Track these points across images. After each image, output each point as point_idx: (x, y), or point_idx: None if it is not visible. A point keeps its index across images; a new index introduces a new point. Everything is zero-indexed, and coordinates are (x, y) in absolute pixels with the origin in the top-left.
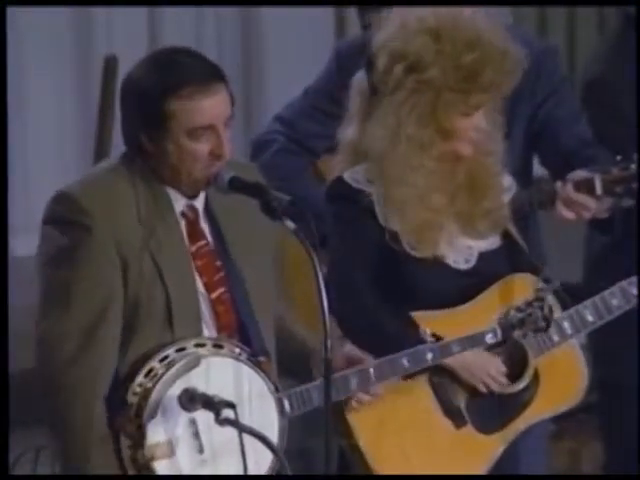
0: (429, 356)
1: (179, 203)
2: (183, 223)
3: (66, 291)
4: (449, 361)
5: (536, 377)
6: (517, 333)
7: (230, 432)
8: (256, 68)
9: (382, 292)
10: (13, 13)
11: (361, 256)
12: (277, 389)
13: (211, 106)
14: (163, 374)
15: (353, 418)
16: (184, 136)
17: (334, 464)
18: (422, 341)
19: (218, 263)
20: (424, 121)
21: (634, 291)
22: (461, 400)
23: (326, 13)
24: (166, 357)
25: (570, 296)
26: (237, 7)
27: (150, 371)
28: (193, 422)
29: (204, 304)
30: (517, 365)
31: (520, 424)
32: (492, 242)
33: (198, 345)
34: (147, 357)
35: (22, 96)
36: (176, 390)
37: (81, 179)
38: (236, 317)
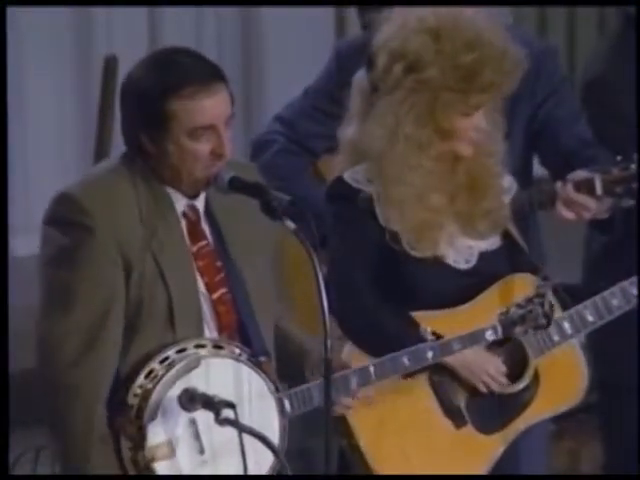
0: (429, 354)
1: (180, 203)
2: (184, 223)
3: (68, 292)
4: (449, 360)
5: (536, 377)
6: (518, 330)
7: (230, 433)
8: (256, 68)
9: (382, 292)
10: (13, 13)
11: (361, 256)
12: (277, 389)
13: (212, 106)
14: (163, 375)
15: (353, 418)
16: (185, 136)
17: (334, 464)
18: (422, 340)
19: (219, 263)
20: (422, 121)
21: (634, 291)
22: (461, 400)
23: (326, 13)
24: (166, 358)
25: (570, 296)
26: (237, 7)
27: (150, 372)
28: (193, 423)
29: (205, 304)
30: (517, 365)
31: (520, 424)
32: (492, 242)
33: (198, 346)
34: (148, 358)
35: (22, 96)
36: (176, 391)
37: (82, 179)
38: (237, 317)
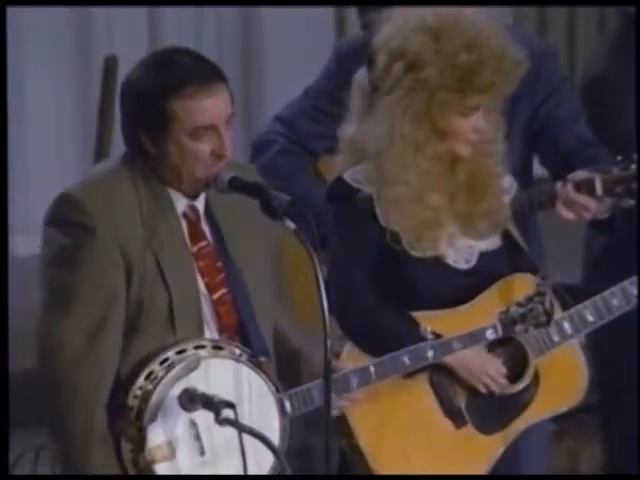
0: (430, 353)
1: (180, 203)
2: (184, 224)
3: (68, 292)
4: (449, 360)
5: (536, 377)
6: (518, 328)
7: (231, 434)
8: (256, 68)
9: (382, 292)
10: (13, 13)
11: (361, 256)
12: (278, 389)
13: (212, 106)
14: (163, 377)
15: (353, 418)
16: (186, 136)
17: (334, 464)
18: (423, 339)
19: (219, 264)
20: (420, 121)
21: (634, 291)
22: (461, 400)
23: (326, 13)
24: (166, 359)
25: (570, 296)
26: (237, 7)
27: (150, 374)
28: (194, 424)
29: (206, 305)
30: (517, 365)
31: (520, 424)
32: (492, 242)
33: (198, 347)
34: (148, 359)
35: (22, 96)
36: (176, 393)
37: (83, 180)
38: (237, 318)
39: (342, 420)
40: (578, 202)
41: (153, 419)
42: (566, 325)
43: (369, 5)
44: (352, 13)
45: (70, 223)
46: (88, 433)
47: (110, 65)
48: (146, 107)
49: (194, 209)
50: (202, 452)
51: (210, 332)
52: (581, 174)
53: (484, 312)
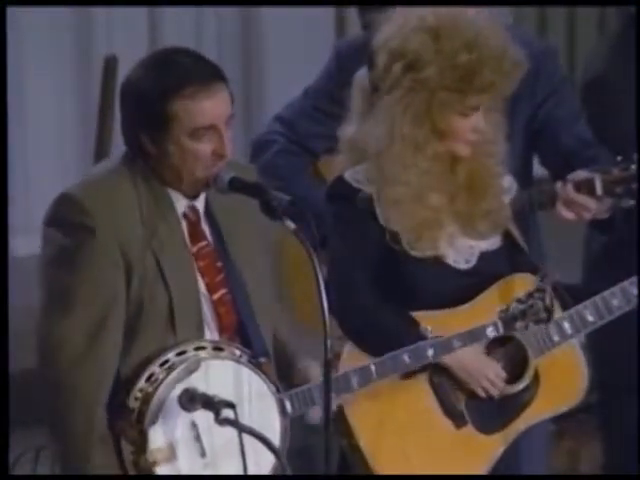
0: (430, 352)
1: (180, 204)
2: (184, 224)
3: (68, 293)
4: (448, 362)
5: (536, 377)
6: (519, 325)
7: (232, 435)
8: (256, 68)
9: (382, 292)
10: (13, 13)
11: (361, 256)
12: (278, 390)
13: (212, 106)
14: (164, 379)
15: (353, 418)
16: (186, 136)
17: (334, 464)
18: (423, 337)
19: (219, 264)
20: (419, 121)
21: (635, 291)
22: (461, 400)
23: (326, 13)
24: (166, 361)
25: (570, 296)
26: (237, 7)
27: (151, 376)
28: (194, 426)
29: (206, 305)
30: (517, 365)
31: (520, 424)
32: (493, 242)
33: (198, 348)
34: (149, 360)
35: (22, 96)
36: (177, 395)
37: (83, 180)
38: (237, 318)
39: (342, 420)
40: (578, 202)
41: (154, 421)
42: (566, 325)
43: (369, 5)
44: (352, 13)
45: (70, 223)
46: (88, 433)
47: (110, 65)
48: (146, 107)
49: (194, 209)
50: (203, 454)
51: (210, 332)
52: (581, 174)
53: (484, 312)
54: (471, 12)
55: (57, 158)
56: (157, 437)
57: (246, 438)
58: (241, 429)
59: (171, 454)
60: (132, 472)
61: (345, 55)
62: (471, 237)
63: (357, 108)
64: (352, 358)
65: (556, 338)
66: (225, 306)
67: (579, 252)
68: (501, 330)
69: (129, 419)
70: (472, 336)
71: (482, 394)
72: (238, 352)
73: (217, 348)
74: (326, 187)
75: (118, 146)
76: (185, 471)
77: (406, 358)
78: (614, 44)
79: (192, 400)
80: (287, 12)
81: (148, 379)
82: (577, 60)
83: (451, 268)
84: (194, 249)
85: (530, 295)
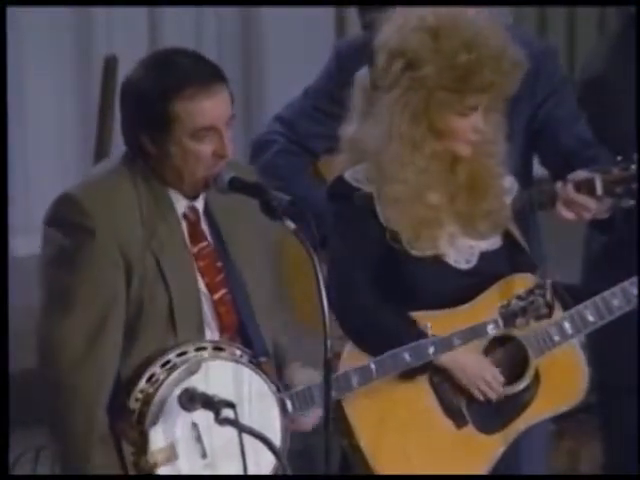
0: (431, 350)
1: (180, 204)
2: (184, 224)
3: (68, 293)
4: (447, 362)
5: (537, 377)
6: (519, 321)
7: (232, 435)
8: (256, 68)
9: (382, 292)
10: (13, 13)
11: (361, 256)
12: (279, 389)
13: (212, 107)
14: (164, 379)
15: (354, 418)
16: (187, 137)
17: (334, 464)
18: (424, 335)
19: (219, 264)
20: (417, 119)
21: (635, 291)
22: (462, 400)
23: (326, 13)
24: (167, 362)
25: (570, 296)
26: (237, 7)
27: (151, 377)
28: (195, 426)
29: (206, 305)
30: (518, 365)
31: (521, 424)
32: (493, 242)
33: (199, 349)
34: (149, 361)
35: (22, 96)
36: (177, 395)
37: (83, 181)
38: (237, 318)
39: (342, 420)
40: (578, 202)
41: (155, 422)
42: (566, 325)
43: (369, 5)
44: (352, 13)
45: (70, 224)
46: (88, 433)
47: (110, 65)
48: (146, 108)
49: (194, 209)
50: (204, 454)
51: (211, 333)
52: (581, 174)
53: (484, 312)
54: (471, 12)
55: (57, 158)
56: (158, 438)
57: (246, 438)
58: (241, 429)
59: (172, 455)
60: (133, 473)
61: (345, 55)
62: (471, 237)
63: (358, 107)
64: (352, 358)
65: (556, 338)
66: (225, 306)
67: (579, 252)
68: (501, 327)
69: (130, 420)
70: (473, 333)
71: (480, 397)
72: (239, 352)
73: (218, 348)
74: (326, 187)
75: (118, 146)
76: (185, 471)
77: (407, 356)
78: (614, 44)
79: (192, 400)
80: (287, 12)
81: (149, 380)
82: (577, 60)
83: (451, 268)
84: (194, 249)
85: (531, 291)
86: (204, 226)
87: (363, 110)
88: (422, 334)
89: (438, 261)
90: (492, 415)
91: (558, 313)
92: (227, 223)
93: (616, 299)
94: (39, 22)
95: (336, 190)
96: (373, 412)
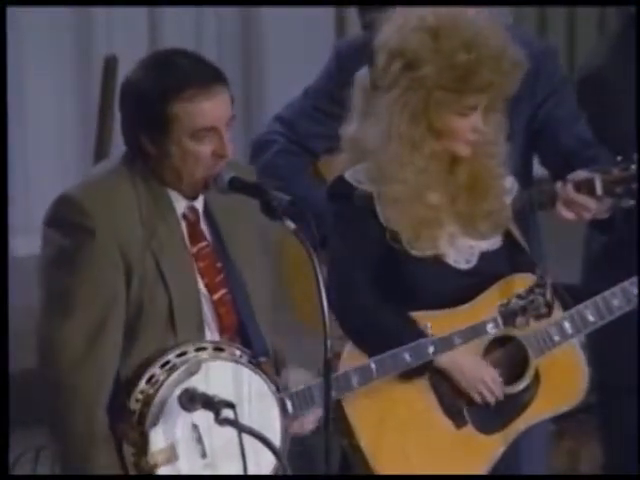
0: (431, 349)
1: (180, 204)
2: (184, 224)
3: (68, 294)
4: (446, 364)
5: (537, 377)
6: (519, 320)
7: (232, 436)
8: (256, 68)
9: (382, 292)
10: (13, 13)
11: (362, 255)
12: (278, 389)
13: (212, 108)
14: (164, 380)
15: (354, 418)
16: (187, 138)
17: (334, 464)
18: (423, 336)
19: (219, 264)
20: (416, 119)
21: (635, 291)
22: (461, 400)
23: (326, 13)
24: (167, 362)
25: (570, 296)
26: (237, 7)
27: (151, 377)
28: (195, 427)
29: (206, 305)
30: (518, 365)
31: (520, 424)
32: (493, 242)
33: (199, 349)
34: (149, 362)
35: (22, 96)
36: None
37: (83, 181)
38: (237, 318)
39: (342, 420)
40: (578, 202)
41: (155, 423)
42: (567, 325)
43: (369, 5)
44: (352, 13)
45: (70, 224)
46: (88, 433)
47: (110, 65)
48: (146, 109)
49: (193, 209)
50: (204, 455)
51: (211, 333)
52: (581, 174)
53: (484, 312)
54: (471, 12)
55: (57, 158)
56: (158, 439)
57: (246, 438)
58: (241, 429)
59: (172, 456)
60: (133, 473)
61: (345, 55)
62: (472, 237)
63: (358, 108)
64: (352, 358)
65: (557, 338)
66: (225, 306)
67: (579, 252)
68: (501, 326)
69: (130, 421)
70: (473, 332)
71: (478, 399)
72: (238, 352)
73: (217, 349)
74: (326, 187)
75: (118, 146)
76: (185, 472)
77: (407, 356)
78: (614, 44)
79: (192, 400)
80: (287, 12)
81: (149, 380)
82: (577, 60)
83: (451, 268)
84: (194, 250)
85: (530, 290)
86: (203, 226)
87: (363, 110)
88: (422, 334)
89: (438, 261)
90: (492, 415)
91: (558, 313)
92: (227, 223)
93: (616, 299)
94: (39, 22)
95: (336, 190)
96: (373, 412)
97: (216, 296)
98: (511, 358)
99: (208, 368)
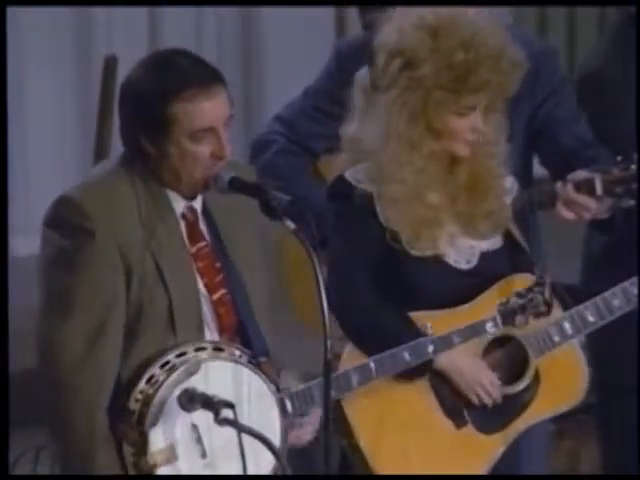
0: (430, 348)
1: (179, 204)
2: (183, 224)
3: (68, 295)
4: (445, 365)
5: (537, 377)
6: (518, 319)
7: (231, 436)
8: (256, 68)
9: (382, 292)
10: (13, 13)
11: (361, 255)
12: (278, 389)
13: (211, 108)
14: (164, 380)
15: (353, 418)
16: (186, 138)
17: (334, 464)
18: (423, 334)
19: (218, 264)
20: (415, 119)
21: (635, 291)
22: (461, 401)
23: (326, 13)
24: (167, 363)
25: (570, 296)
26: (237, 7)
27: (151, 378)
28: (195, 427)
29: (206, 306)
30: (518, 365)
31: (520, 424)
32: (494, 242)
33: (199, 349)
34: (149, 362)
35: (22, 96)
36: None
37: (82, 182)
38: (237, 318)
39: (342, 420)
40: (578, 202)
41: (154, 423)
42: (567, 325)
43: (369, 5)
44: (352, 13)
45: (69, 225)
46: (89, 433)
47: (110, 65)
48: (146, 110)
49: (192, 210)
50: (204, 455)
51: (210, 333)
52: (581, 174)
53: (484, 312)
54: (471, 12)
55: (57, 158)
56: (158, 439)
57: (246, 438)
58: (240, 429)
59: (172, 456)
60: (133, 474)
61: (345, 55)
62: (472, 237)
63: (358, 107)
64: (352, 359)
65: (557, 338)
66: (225, 306)
67: (579, 252)
68: (500, 324)
69: (130, 421)
70: (472, 331)
71: (475, 401)
72: (238, 352)
73: (217, 349)
74: (326, 187)
75: (118, 146)
76: (185, 472)
77: (406, 355)
78: (614, 44)
79: (191, 400)
80: (287, 12)
81: (148, 381)
82: (577, 60)
83: (452, 268)
84: (193, 250)
85: (529, 289)
86: (202, 226)
87: (363, 110)
88: (422, 334)
89: (438, 261)
90: (492, 415)
91: (558, 313)
92: (226, 223)
93: (616, 299)
94: (39, 22)
95: (336, 189)
96: (373, 412)
97: (215, 296)
98: (511, 358)
99: (208, 368)
